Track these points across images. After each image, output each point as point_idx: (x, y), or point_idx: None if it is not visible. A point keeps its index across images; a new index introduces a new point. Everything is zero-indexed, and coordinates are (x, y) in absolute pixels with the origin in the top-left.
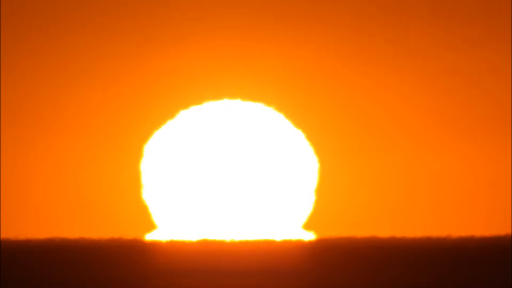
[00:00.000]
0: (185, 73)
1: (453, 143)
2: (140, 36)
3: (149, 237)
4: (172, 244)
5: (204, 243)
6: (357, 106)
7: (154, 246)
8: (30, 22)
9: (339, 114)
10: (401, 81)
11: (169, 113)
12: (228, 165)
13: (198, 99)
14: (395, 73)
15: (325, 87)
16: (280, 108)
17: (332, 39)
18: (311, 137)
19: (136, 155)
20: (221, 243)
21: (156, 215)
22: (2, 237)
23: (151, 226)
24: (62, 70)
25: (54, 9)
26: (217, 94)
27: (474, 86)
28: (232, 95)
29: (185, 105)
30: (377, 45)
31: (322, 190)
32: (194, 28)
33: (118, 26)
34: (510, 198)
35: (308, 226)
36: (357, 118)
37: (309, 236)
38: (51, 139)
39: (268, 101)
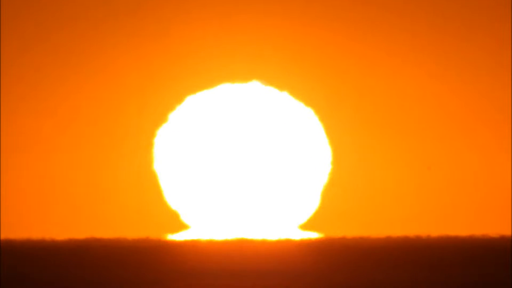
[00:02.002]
0: (193, 58)
1: (455, 144)
2: (152, 22)
3: (167, 236)
4: (183, 244)
5: (208, 243)
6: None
7: (166, 245)
8: (32, 21)
9: (358, 103)
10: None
11: (177, 99)
12: (240, 157)
13: (205, 84)
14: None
15: (347, 77)
16: (304, 99)
17: (355, 26)
18: (329, 129)
19: (147, 145)
20: (224, 243)
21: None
22: (9, 237)
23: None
24: (69, 63)
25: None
26: (229, 78)
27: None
28: (248, 79)
29: (193, 90)
30: (398, 39)
31: (331, 187)
32: (206, 12)
33: (129, 15)
34: (510, 198)
35: (314, 225)
36: (372, 115)
37: (313, 236)
38: (57, 137)
39: (293, 91)
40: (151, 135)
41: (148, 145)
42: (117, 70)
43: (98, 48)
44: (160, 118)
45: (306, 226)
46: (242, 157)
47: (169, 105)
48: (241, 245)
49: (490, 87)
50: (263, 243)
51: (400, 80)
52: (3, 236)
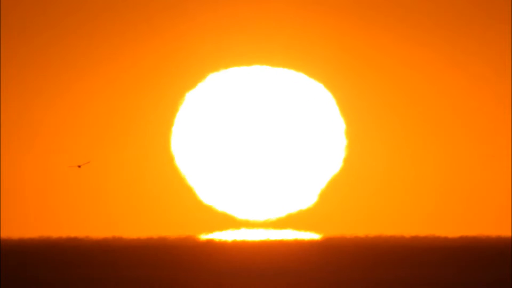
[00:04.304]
0: (212, 39)
1: (456, 144)
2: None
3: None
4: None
5: (210, 243)
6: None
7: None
8: (33, 21)
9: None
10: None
11: (194, 81)
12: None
13: (222, 66)
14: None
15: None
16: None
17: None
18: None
19: (167, 125)
20: (224, 243)
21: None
22: (11, 237)
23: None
24: (81, 48)
25: None
26: (246, 60)
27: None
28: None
29: (207, 73)
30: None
31: (335, 185)
32: None
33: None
34: (510, 198)
35: (313, 225)
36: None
37: (317, 236)
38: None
39: (322, 80)
40: (166, 130)
41: (166, 137)
42: (124, 65)
43: (109, 34)
44: (174, 105)
45: (305, 226)
46: (258, 143)
47: (183, 90)
48: (243, 246)
49: (496, 89)
50: (265, 243)
51: (404, 79)
52: (8, 236)
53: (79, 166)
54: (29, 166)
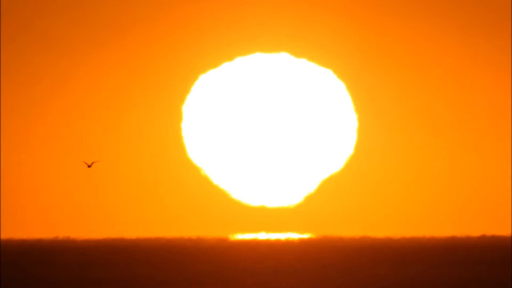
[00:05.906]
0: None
1: (456, 144)
2: None
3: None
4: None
5: (206, 241)
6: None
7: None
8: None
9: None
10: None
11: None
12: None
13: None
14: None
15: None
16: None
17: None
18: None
19: (176, 115)
20: (222, 242)
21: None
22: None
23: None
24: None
25: None
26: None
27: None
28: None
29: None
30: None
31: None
32: None
33: None
34: (510, 198)
35: (311, 225)
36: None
37: (310, 236)
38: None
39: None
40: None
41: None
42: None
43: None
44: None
45: (302, 227)
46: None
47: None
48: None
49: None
50: (265, 243)
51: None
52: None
53: (89, 166)
54: (32, 165)
